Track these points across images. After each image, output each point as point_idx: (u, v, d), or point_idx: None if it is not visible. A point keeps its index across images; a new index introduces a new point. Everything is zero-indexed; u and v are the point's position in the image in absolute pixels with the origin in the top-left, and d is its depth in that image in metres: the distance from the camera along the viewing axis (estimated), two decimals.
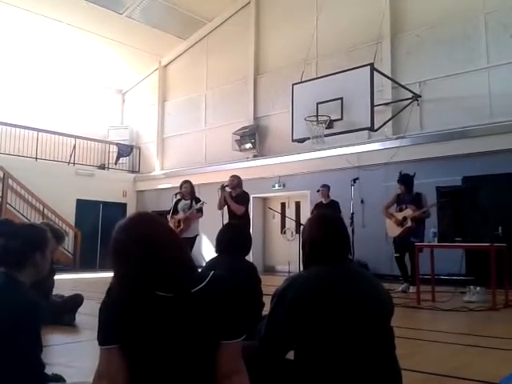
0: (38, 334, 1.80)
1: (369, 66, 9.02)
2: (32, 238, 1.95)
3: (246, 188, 8.01)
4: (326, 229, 2.02)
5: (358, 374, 1.79)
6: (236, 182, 7.74)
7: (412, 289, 7.21)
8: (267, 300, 3.17)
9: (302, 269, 7.10)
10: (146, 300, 1.47)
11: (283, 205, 12.86)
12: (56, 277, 4.93)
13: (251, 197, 8.12)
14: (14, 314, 1.72)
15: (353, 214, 8.20)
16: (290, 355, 1.94)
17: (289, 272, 11.67)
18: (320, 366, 1.82)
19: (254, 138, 12.90)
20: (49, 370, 1.98)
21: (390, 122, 10.16)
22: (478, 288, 6.36)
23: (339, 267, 1.97)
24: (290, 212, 12.55)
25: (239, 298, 1.59)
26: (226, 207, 7.56)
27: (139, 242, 1.48)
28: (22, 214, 12.86)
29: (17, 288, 1.83)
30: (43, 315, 1.96)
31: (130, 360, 1.48)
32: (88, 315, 4.89)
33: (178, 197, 7.85)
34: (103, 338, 1.51)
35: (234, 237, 3.09)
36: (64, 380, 1.99)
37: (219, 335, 1.50)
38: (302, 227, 2.24)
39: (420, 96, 10.05)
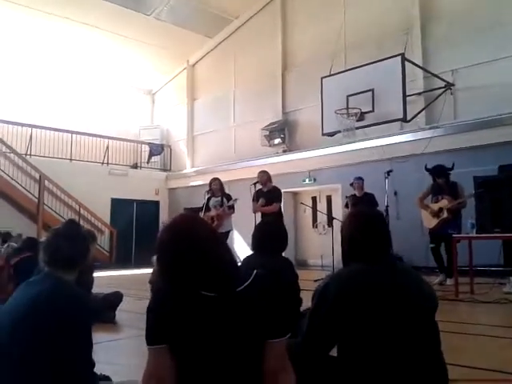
0: (89, 332, 1.84)
1: (400, 57, 8.87)
2: (88, 242, 2.00)
3: (276, 183, 8.02)
4: (366, 227, 2.00)
5: (403, 369, 1.78)
6: (266, 177, 7.77)
7: (449, 281, 7.08)
8: (303, 295, 3.20)
9: (335, 263, 7.05)
10: (193, 300, 1.50)
11: (314, 199, 12.79)
12: (94, 274, 5.05)
13: (282, 192, 8.11)
14: (70, 313, 1.76)
15: (387, 206, 8.09)
16: (334, 352, 1.94)
17: (322, 266, 11.65)
18: (364, 362, 1.81)
19: (283, 132, 12.87)
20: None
21: (423, 112, 9.96)
22: None
23: (381, 264, 1.95)
24: (322, 206, 12.48)
25: (283, 296, 1.61)
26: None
27: (184, 242, 1.51)
28: (58, 214, 13.20)
29: (68, 288, 1.87)
30: (92, 312, 2.00)
31: (178, 359, 1.51)
32: (127, 312, 5.01)
33: (209, 194, 7.93)
34: (152, 338, 1.53)
35: (271, 234, 3.10)
36: (110, 380, 2.03)
37: (265, 334, 1.51)
38: (340, 223, 2.23)
39: (453, 84, 9.81)
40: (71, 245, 1.92)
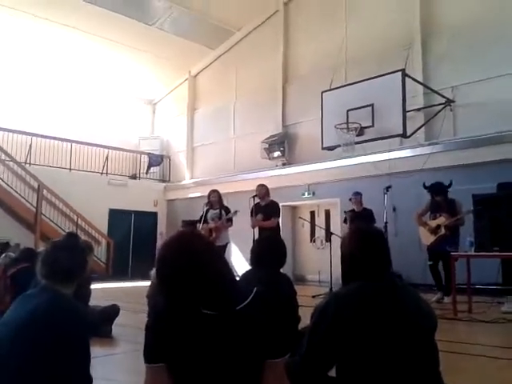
0: (87, 347, 1.82)
1: (400, 72, 8.93)
2: (86, 254, 1.99)
3: (274, 196, 8.01)
4: (366, 244, 2.00)
5: None
6: (264, 191, 7.78)
7: (446, 299, 7.05)
8: (301, 311, 3.17)
9: (333, 279, 7.02)
10: (193, 318, 1.48)
11: (312, 213, 12.78)
12: (91, 286, 5.01)
13: (280, 205, 8.10)
14: (67, 327, 1.75)
15: (386, 222, 8.08)
16: (332, 372, 1.92)
17: (319, 281, 11.59)
18: (363, 382, 1.79)
19: (282, 146, 12.89)
20: None
21: (423, 128, 10.00)
22: None
23: (381, 283, 1.94)
24: (320, 220, 12.46)
25: (283, 315, 1.59)
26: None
27: (184, 259, 1.50)
28: (56, 224, 13.16)
29: (65, 301, 1.85)
30: (91, 326, 1.99)
31: (175, 378, 1.49)
32: (124, 326, 4.96)
33: (207, 206, 7.92)
34: (150, 357, 1.51)
35: (271, 250, 3.09)
36: None
37: (265, 354, 1.49)
38: (339, 239, 2.21)
39: (453, 101, 9.87)
40: (69, 257, 1.91)
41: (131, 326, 4.92)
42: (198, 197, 13.15)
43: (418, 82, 9.93)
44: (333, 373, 1.92)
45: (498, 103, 9.28)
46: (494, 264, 6.70)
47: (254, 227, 7.66)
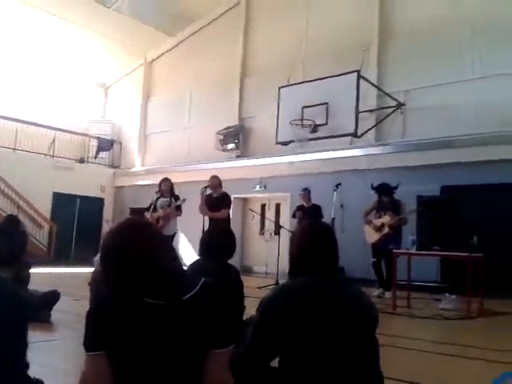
0: (26, 332, 1.76)
1: (356, 73, 9.10)
2: (26, 236, 1.92)
3: (226, 188, 7.99)
4: (316, 238, 2.02)
5: (342, 382, 1.81)
6: (217, 182, 7.76)
7: (387, 294, 7.31)
8: (246, 302, 3.19)
9: (280, 271, 7.08)
10: (136, 307, 1.46)
11: (263, 206, 12.87)
12: (30, 270, 4.83)
13: (232, 197, 8.11)
14: (4, 310, 1.68)
15: (334, 219, 8.24)
16: (275, 363, 1.94)
17: (266, 273, 11.71)
18: (304, 374, 1.82)
19: (237, 138, 12.89)
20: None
21: (373, 129, 10.26)
22: (453, 296, 6.47)
23: (328, 278, 1.97)
24: (270, 213, 12.57)
25: (229, 306, 1.59)
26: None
27: (129, 247, 1.47)
28: None
29: (3, 285, 1.78)
30: (30, 311, 1.92)
31: (116, 367, 1.46)
32: (63, 312, 4.82)
33: (158, 195, 7.81)
34: (91, 345, 1.48)
35: (220, 241, 3.08)
36: (43, 383, 1.93)
37: (209, 344, 1.49)
38: (289, 233, 2.23)
39: (404, 104, 10.17)
40: (8, 242, 1.83)
41: (71, 312, 4.80)
42: (148, 185, 12.94)
43: (372, 84, 10.16)
44: (275, 363, 1.94)
45: (446, 108, 9.64)
46: (433, 262, 6.99)
47: (202, 213, 7.62)
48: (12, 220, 1.96)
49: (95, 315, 1.50)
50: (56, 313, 4.67)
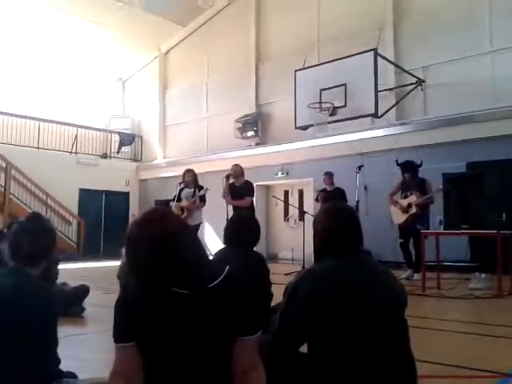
0: (55, 327, 1.79)
1: (372, 52, 8.94)
2: (53, 236, 1.93)
3: (248, 176, 7.98)
4: (340, 220, 1.99)
5: (372, 367, 1.78)
6: (239, 170, 7.73)
7: (416, 276, 7.22)
8: (273, 289, 3.18)
9: (306, 257, 7.04)
10: (163, 297, 1.46)
11: (286, 192, 12.84)
12: (60, 266, 4.92)
13: (254, 185, 8.09)
14: (34, 308, 1.71)
15: (358, 201, 8.17)
16: (304, 349, 1.93)
17: (292, 260, 11.71)
18: (334, 359, 1.80)
19: (256, 125, 12.83)
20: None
21: (394, 108, 10.09)
22: (483, 275, 6.35)
23: (353, 260, 1.95)
24: (293, 200, 12.53)
25: (255, 294, 1.58)
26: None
27: (156, 238, 1.46)
28: (25, 204, 12.87)
29: (32, 282, 1.81)
30: (59, 307, 1.95)
31: (146, 357, 1.47)
32: (94, 306, 4.90)
33: (182, 186, 7.86)
34: (119, 336, 1.49)
35: (244, 229, 3.07)
36: (76, 377, 1.97)
37: (235, 331, 1.49)
38: (313, 218, 2.20)
39: (424, 81, 9.96)
40: (32, 241, 1.85)
41: (102, 305, 4.86)
42: (171, 176, 13.02)
43: (390, 61, 9.98)
44: (304, 349, 1.93)
45: (467, 83, 9.41)
46: (462, 241, 6.86)
47: (225, 200, 7.60)
48: (35, 218, 1.97)
49: (123, 306, 1.51)
50: (87, 307, 4.76)
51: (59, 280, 4.90)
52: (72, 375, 1.95)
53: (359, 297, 1.82)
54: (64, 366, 1.93)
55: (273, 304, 3.08)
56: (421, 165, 7.49)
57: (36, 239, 1.85)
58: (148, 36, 15.31)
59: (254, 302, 1.55)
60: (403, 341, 1.92)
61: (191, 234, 1.60)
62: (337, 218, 2.01)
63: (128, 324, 1.47)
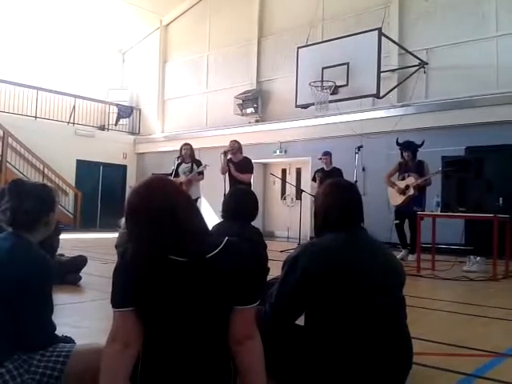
0: (50, 294, 1.79)
1: (376, 31, 8.83)
2: (46, 197, 1.91)
3: (246, 153, 7.94)
4: (342, 196, 2.00)
5: (368, 341, 1.80)
6: (238, 146, 7.67)
7: (411, 257, 7.29)
8: (269, 265, 3.20)
9: (301, 235, 7.05)
10: (161, 264, 1.46)
11: (284, 171, 12.82)
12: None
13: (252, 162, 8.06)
14: (28, 274, 1.70)
15: (356, 181, 8.15)
16: (300, 321, 1.95)
17: (288, 238, 11.77)
18: (331, 332, 1.82)
19: (256, 102, 12.73)
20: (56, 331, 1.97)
21: (395, 90, 10.01)
22: (477, 258, 6.40)
23: (353, 235, 1.95)
24: (291, 178, 12.52)
25: (253, 264, 1.59)
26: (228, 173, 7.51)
27: (155, 206, 1.46)
28: (22, 173, 12.80)
29: (29, 248, 1.80)
30: (54, 274, 1.94)
31: (144, 323, 1.48)
32: (92, 275, 4.93)
33: (179, 160, 7.82)
34: (118, 301, 1.49)
35: (243, 203, 3.06)
36: (73, 341, 1.98)
37: (233, 301, 1.49)
38: (310, 196, 2.20)
39: (427, 63, 9.86)
40: (34, 205, 1.84)
41: (99, 275, 4.91)
42: (169, 151, 12.95)
43: (394, 41, 9.86)
44: (301, 321, 1.95)
45: (470, 67, 9.34)
46: (458, 224, 6.90)
47: (223, 173, 7.53)
48: (17, 184, 1.94)
49: (121, 272, 1.51)
50: (85, 276, 4.78)
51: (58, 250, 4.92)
52: (68, 340, 1.96)
53: (355, 271, 1.84)
54: (60, 333, 1.93)
55: (269, 278, 3.09)
56: (422, 144, 7.48)
57: (38, 204, 1.84)
58: (150, 7, 15.06)
59: (252, 272, 1.55)
60: (399, 317, 1.94)
61: (191, 204, 1.60)
62: (338, 193, 2.01)
63: (126, 290, 1.47)
